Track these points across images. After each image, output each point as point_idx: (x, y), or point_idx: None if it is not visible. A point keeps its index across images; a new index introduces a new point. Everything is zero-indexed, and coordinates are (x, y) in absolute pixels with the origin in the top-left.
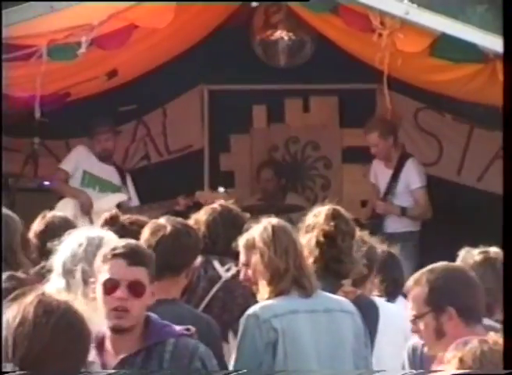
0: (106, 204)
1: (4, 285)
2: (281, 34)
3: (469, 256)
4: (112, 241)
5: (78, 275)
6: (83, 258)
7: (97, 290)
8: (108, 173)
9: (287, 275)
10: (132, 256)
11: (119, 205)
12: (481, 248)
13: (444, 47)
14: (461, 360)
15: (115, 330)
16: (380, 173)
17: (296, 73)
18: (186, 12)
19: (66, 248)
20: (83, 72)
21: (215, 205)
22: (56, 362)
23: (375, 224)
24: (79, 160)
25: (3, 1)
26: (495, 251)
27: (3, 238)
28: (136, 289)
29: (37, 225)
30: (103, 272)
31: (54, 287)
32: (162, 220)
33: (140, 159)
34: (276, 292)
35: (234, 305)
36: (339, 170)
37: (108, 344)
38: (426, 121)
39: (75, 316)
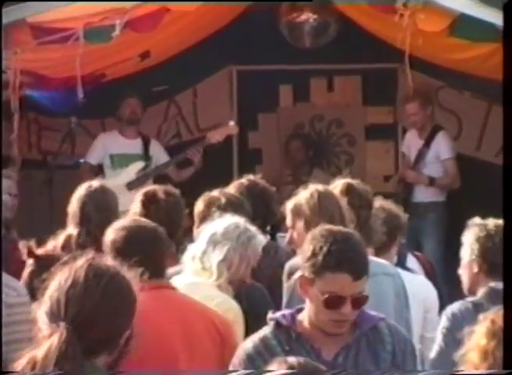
0: (124, 176)
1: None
2: (306, 16)
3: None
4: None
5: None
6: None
7: (315, 299)
8: (135, 146)
9: None
10: (357, 271)
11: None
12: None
13: (463, 26)
14: (493, 321)
15: (330, 334)
16: (413, 144)
17: (321, 54)
18: None
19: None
20: (118, 53)
21: (243, 180)
22: (105, 322)
23: (404, 193)
24: (104, 146)
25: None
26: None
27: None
28: (359, 302)
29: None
30: (319, 282)
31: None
32: (215, 193)
33: (171, 137)
34: None
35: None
36: (363, 147)
37: (312, 340)
38: (446, 99)
39: (123, 280)
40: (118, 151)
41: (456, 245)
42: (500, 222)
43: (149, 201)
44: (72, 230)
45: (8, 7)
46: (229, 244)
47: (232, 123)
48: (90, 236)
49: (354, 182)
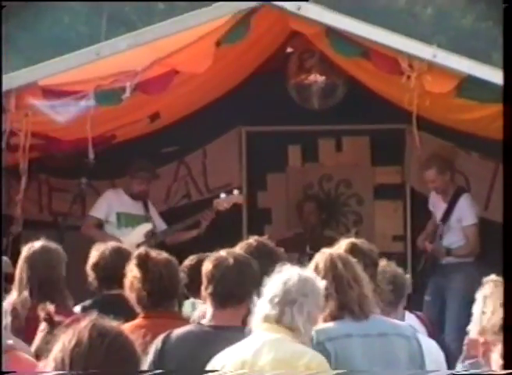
0: (135, 237)
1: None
2: (314, 78)
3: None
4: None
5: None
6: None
7: None
8: (139, 208)
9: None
10: None
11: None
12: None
13: (470, 88)
14: None
15: None
16: (437, 205)
17: (329, 115)
18: (223, 58)
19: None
20: (128, 115)
21: (251, 240)
22: None
23: (432, 254)
24: (110, 204)
25: (3, 1)
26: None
27: (44, 271)
28: None
29: (92, 257)
30: None
31: (262, 312)
32: (223, 253)
33: (181, 197)
34: (332, 316)
35: None
36: (371, 206)
37: None
38: (455, 160)
39: (127, 339)
40: (124, 210)
41: None
42: None
43: (144, 262)
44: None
45: (20, 70)
46: (307, 300)
47: (236, 191)
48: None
49: (358, 241)
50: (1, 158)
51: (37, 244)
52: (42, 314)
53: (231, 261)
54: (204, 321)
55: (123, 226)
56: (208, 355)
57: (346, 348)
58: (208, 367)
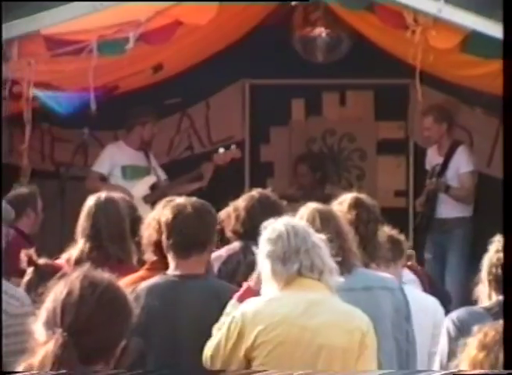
0: (141, 189)
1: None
2: (319, 31)
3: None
4: None
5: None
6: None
7: None
8: (142, 159)
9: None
10: None
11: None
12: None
13: (475, 43)
14: (485, 334)
15: None
16: (434, 160)
17: (334, 69)
18: (227, 10)
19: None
20: (131, 66)
21: (254, 193)
22: (100, 331)
23: (429, 210)
24: (112, 158)
25: (3, 1)
26: None
27: (110, 222)
28: None
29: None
30: None
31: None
32: (181, 200)
33: (184, 150)
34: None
35: None
36: (374, 161)
37: None
38: (458, 115)
39: (118, 291)
40: (129, 162)
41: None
42: None
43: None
44: (83, 244)
45: (23, 18)
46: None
47: (233, 146)
48: (102, 250)
49: (362, 196)
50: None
51: (105, 194)
52: (25, 258)
53: (190, 209)
54: (169, 271)
55: (129, 179)
56: (175, 305)
57: (351, 300)
58: (239, 319)
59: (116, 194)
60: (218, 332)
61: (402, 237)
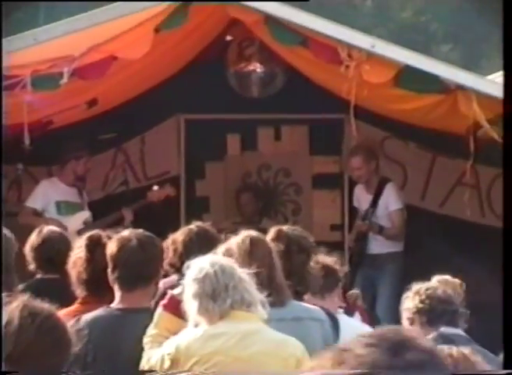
0: (74, 224)
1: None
2: (253, 66)
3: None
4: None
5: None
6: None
7: None
8: (75, 195)
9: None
10: None
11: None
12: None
13: (408, 78)
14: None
15: None
16: (362, 198)
17: (268, 103)
18: (162, 44)
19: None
20: (65, 101)
21: (192, 226)
22: (40, 360)
23: (360, 246)
24: (46, 194)
25: (3, 1)
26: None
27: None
28: None
29: (35, 239)
30: None
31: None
32: (126, 233)
33: (119, 185)
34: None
35: None
36: (309, 196)
37: None
38: (392, 149)
39: (58, 321)
40: (63, 198)
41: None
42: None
43: (93, 245)
44: None
45: None
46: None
47: (167, 184)
48: None
49: (285, 227)
50: None
51: None
52: None
53: (134, 242)
54: (113, 305)
55: (64, 214)
56: (117, 339)
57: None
58: (176, 351)
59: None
60: (154, 352)
61: (337, 266)
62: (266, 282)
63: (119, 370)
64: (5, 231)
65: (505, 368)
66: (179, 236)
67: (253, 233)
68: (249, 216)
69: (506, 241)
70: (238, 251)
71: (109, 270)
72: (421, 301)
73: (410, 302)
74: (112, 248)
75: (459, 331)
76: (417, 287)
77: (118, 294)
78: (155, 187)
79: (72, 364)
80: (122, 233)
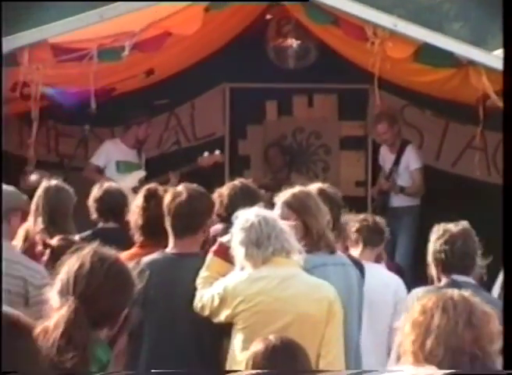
0: (131, 182)
1: (56, 243)
2: (290, 42)
3: (448, 227)
4: None
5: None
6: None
7: None
8: (134, 156)
9: (322, 237)
10: None
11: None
12: (455, 222)
13: (426, 54)
14: (429, 299)
15: None
16: (386, 158)
17: (303, 75)
18: (211, 22)
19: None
20: (126, 71)
21: (236, 182)
22: (107, 299)
23: (382, 200)
24: (109, 153)
25: (3, 1)
26: (463, 223)
27: (52, 205)
28: None
29: (97, 192)
30: None
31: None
32: (180, 187)
33: (171, 144)
34: (311, 249)
35: None
36: (337, 156)
37: None
38: (410, 116)
39: (123, 266)
40: (123, 158)
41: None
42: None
43: (150, 196)
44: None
45: (33, 29)
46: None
47: (218, 151)
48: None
49: (325, 186)
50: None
51: (53, 182)
52: (40, 244)
53: (184, 196)
54: (167, 249)
55: (121, 172)
56: (170, 280)
57: (324, 274)
58: (224, 291)
59: (64, 184)
60: (205, 291)
61: (385, 227)
62: (324, 232)
63: (175, 307)
64: (63, 184)
65: (505, 368)
66: (224, 190)
67: (303, 188)
68: (277, 170)
69: (506, 242)
70: (298, 204)
71: (165, 218)
72: (438, 252)
73: (430, 248)
74: (166, 199)
75: (469, 279)
76: (436, 235)
77: (171, 240)
78: (206, 154)
79: (134, 302)
80: (177, 187)
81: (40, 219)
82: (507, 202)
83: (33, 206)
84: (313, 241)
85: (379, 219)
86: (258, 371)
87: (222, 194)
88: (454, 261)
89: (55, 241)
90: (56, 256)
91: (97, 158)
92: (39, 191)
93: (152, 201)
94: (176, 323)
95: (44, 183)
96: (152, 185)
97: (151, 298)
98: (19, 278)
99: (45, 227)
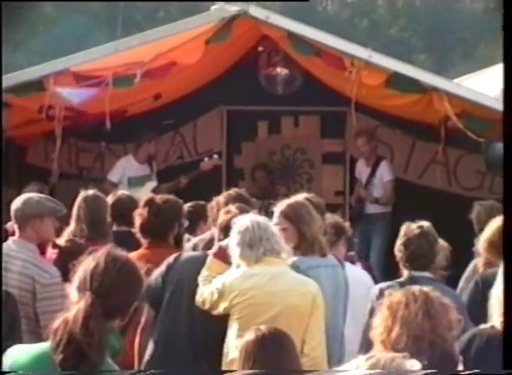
0: (145, 192)
1: (64, 244)
2: (279, 70)
3: (409, 229)
4: None
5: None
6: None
7: None
8: (145, 169)
9: (315, 242)
10: None
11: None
12: (418, 223)
13: (396, 81)
14: (394, 296)
15: None
16: (362, 171)
17: (290, 99)
18: (211, 53)
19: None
20: (137, 95)
21: (231, 191)
22: (119, 294)
23: (358, 207)
24: (124, 169)
25: (3, 1)
26: (427, 225)
27: (92, 212)
28: None
29: (110, 199)
30: None
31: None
32: (157, 198)
33: (176, 158)
34: (304, 252)
35: None
36: (320, 169)
37: None
38: (382, 135)
39: (133, 265)
40: (133, 174)
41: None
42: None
43: (148, 205)
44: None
45: (57, 58)
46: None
47: (216, 156)
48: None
49: (310, 195)
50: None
51: (91, 192)
52: (51, 245)
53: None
54: (210, 252)
55: (133, 187)
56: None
57: (317, 274)
58: (222, 286)
59: (100, 193)
60: (206, 288)
61: (345, 224)
62: (316, 237)
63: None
64: (99, 193)
65: (505, 368)
66: (221, 198)
67: (298, 198)
68: (262, 188)
69: (506, 242)
70: (295, 213)
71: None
72: (398, 250)
73: (395, 249)
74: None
75: (425, 274)
76: (400, 237)
77: (216, 245)
78: (206, 159)
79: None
80: (155, 198)
81: (80, 225)
82: (507, 202)
83: (74, 213)
84: (307, 245)
85: (340, 220)
86: (255, 371)
87: (218, 202)
88: (411, 258)
89: (62, 242)
90: (64, 255)
91: (112, 175)
92: (78, 200)
93: (150, 208)
94: (194, 317)
95: (83, 193)
96: (151, 195)
97: (180, 288)
98: (28, 276)
99: (86, 231)
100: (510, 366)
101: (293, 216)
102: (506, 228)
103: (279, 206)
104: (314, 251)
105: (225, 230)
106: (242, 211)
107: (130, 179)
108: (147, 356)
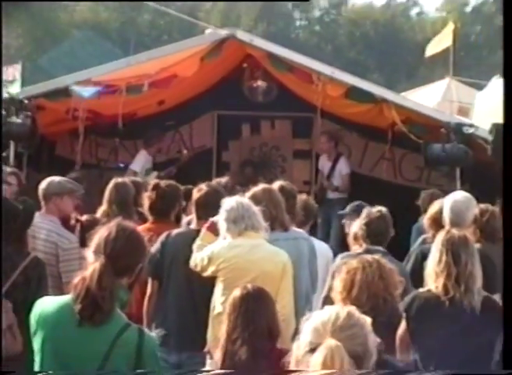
0: (151, 180)
1: (85, 219)
2: (259, 83)
3: (370, 212)
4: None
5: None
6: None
7: None
8: (151, 161)
9: (276, 219)
10: None
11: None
12: (377, 208)
13: (353, 93)
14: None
15: None
16: (324, 165)
17: (268, 106)
18: (205, 67)
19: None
20: (145, 101)
21: (219, 179)
22: (127, 257)
23: (321, 194)
24: (143, 161)
25: (3, 1)
26: (384, 209)
27: (121, 195)
28: None
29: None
30: None
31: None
32: (203, 185)
33: (175, 152)
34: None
35: None
36: (291, 163)
37: None
38: (342, 136)
39: (139, 235)
40: (148, 165)
41: None
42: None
43: (154, 188)
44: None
45: (81, 70)
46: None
47: (185, 151)
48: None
49: (284, 183)
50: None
51: (120, 179)
52: (74, 220)
53: (208, 190)
54: (192, 226)
55: (147, 175)
56: (191, 248)
57: (278, 246)
58: (211, 253)
59: (127, 180)
60: (198, 254)
61: (314, 204)
62: (277, 216)
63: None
64: (127, 180)
65: (505, 368)
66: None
67: (266, 185)
68: (248, 179)
69: (506, 244)
70: (262, 196)
71: (193, 208)
72: (359, 228)
73: (355, 226)
74: (195, 194)
75: (379, 248)
76: (363, 218)
77: (195, 221)
78: (185, 151)
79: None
80: (202, 185)
81: (111, 205)
82: (507, 200)
83: (106, 195)
84: (269, 222)
85: (310, 199)
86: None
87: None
88: (370, 235)
89: (84, 218)
90: (85, 228)
91: (135, 165)
92: (110, 185)
93: (157, 191)
94: (192, 280)
95: (114, 180)
96: (156, 180)
97: (176, 259)
98: (52, 242)
99: (116, 211)
100: (510, 366)
101: (257, 199)
102: (505, 228)
103: (251, 191)
104: (275, 227)
105: (198, 204)
106: (210, 187)
107: (147, 170)
108: (159, 319)
